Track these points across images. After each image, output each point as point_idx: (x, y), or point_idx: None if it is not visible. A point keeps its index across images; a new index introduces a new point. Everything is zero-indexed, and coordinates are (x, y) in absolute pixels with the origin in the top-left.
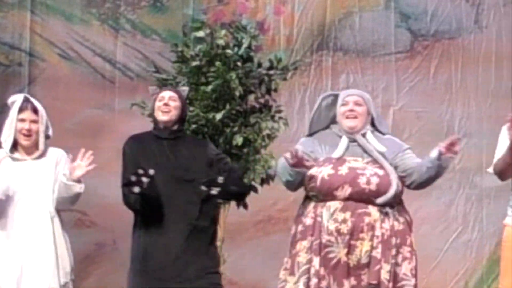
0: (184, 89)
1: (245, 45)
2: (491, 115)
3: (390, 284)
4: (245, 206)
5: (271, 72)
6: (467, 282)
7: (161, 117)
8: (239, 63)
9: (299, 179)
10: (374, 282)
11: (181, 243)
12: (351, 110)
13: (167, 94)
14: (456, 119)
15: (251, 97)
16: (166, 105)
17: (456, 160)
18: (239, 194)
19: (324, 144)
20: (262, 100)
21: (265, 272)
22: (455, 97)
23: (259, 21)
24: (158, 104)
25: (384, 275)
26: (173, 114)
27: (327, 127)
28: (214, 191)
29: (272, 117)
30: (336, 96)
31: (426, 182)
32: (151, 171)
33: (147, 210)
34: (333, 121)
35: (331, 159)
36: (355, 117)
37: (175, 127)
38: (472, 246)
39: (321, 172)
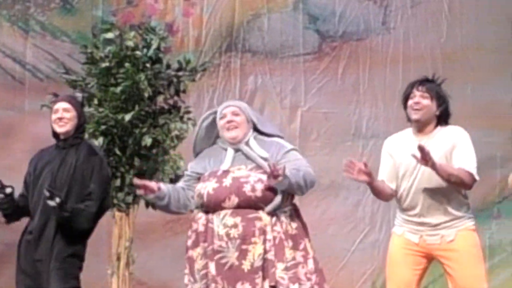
0: (78, 95)
1: (154, 47)
2: (398, 116)
3: (288, 282)
4: (154, 207)
5: (180, 73)
6: (374, 282)
7: (58, 129)
8: (148, 65)
9: None
10: (272, 284)
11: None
12: (229, 121)
13: (61, 106)
14: (364, 120)
15: (160, 98)
16: (61, 119)
17: (364, 160)
18: (70, 225)
19: (209, 159)
20: (171, 101)
21: (173, 272)
22: (363, 98)
23: (168, 23)
24: (53, 116)
25: (280, 274)
26: (69, 125)
27: (214, 143)
28: (53, 202)
29: (181, 118)
30: (215, 113)
31: (298, 192)
32: (8, 189)
33: (9, 219)
34: (218, 136)
35: (215, 173)
36: (236, 127)
37: (70, 137)
38: (379, 246)
39: (206, 188)
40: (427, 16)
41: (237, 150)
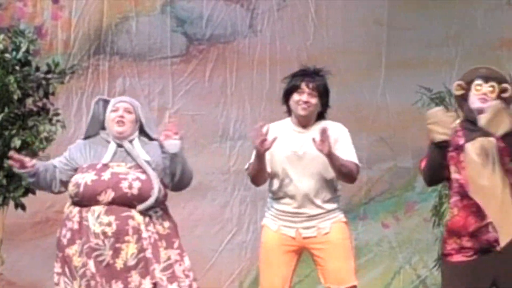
0: None
1: (23, 49)
2: (265, 118)
3: (167, 283)
4: (23, 208)
5: (49, 76)
6: (241, 283)
7: None
8: (17, 67)
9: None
10: (154, 281)
11: None
12: (121, 116)
13: None
14: (231, 122)
15: (29, 101)
16: None
17: (231, 162)
18: None
19: (90, 150)
20: (40, 104)
21: (43, 272)
22: (230, 100)
23: (37, 26)
24: None
25: (158, 275)
26: None
27: (97, 133)
28: None
29: (50, 120)
30: (107, 102)
31: (179, 176)
32: None
33: None
34: (103, 126)
35: (94, 165)
36: (124, 124)
37: None
38: (246, 247)
39: (84, 179)
40: (293, 19)
41: (119, 146)
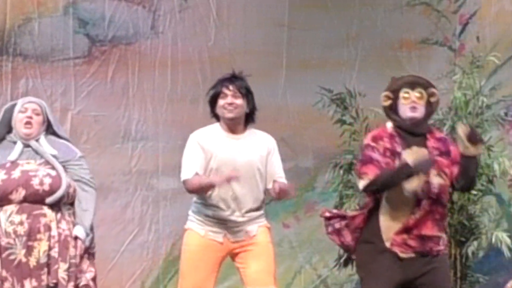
0: None
1: None
2: (167, 118)
3: (70, 283)
4: None
5: None
6: (143, 283)
7: None
8: None
9: None
10: (54, 281)
11: None
12: (29, 117)
13: None
14: (133, 123)
15: None
16: None
17: (133, 163)
18: None
19: None
20: None
21: None
22: (132, 101)
23: None
24: None
25: (61, 274)
26: None
27: (4, 138)
28: None
29: None
30: (14, 105)
31: None
32: None
33: None
34: (9, 130)
35: (4, 165)
36: (32, 125)
37: None
38: (148, 247)
39: None
40: (195, 21)
41: (26, 146)
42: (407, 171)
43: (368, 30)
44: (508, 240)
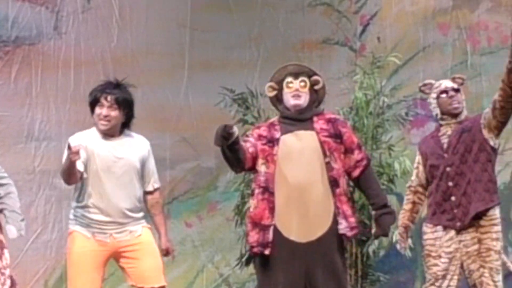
0: None
1: None
2: (70, 118)
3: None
4: None
5: None
6: (47, 281)
7: None
8: None
9: None
10: None
11: None
12: None
13: None
14: (37, 123)
15: None
16: None
17: (36, 162)
18: None
19: None
20: None
21: None
22: (35, 101)
23: None
24: None
25: None
26: None
27: None
28: None
29: None
30: None
31: None
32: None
33: None
34: None
35: None
36: None
37: None
38: (51, 246)
39: None
40: (98, 21)
41: None
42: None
43: (270, 31)
44: (409, 240)
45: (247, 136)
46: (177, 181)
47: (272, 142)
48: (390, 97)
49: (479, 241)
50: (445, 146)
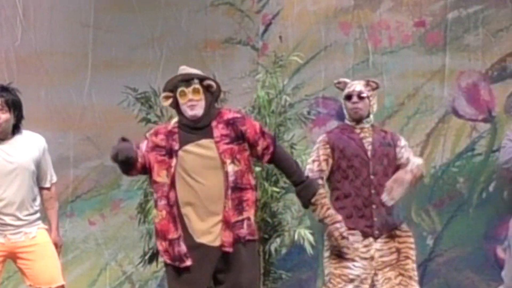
0: None
1: None
2: None
3: None
4: None
5: None
6: None
7: None
8: None
9: None
10: None
11: None
12: None
13: None
14: None
15: None
16: None
17: None
18: None
19: None
20: None
21: None
22: None
23: None
24: None
25: None
26: None
27: None
28: None
29: None
30: None
31: None
32: None
33: None
34: None
35: None
36: None
37: None
38: None
39: None
40: (1, 21)
41: None
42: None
43: (173, 30)
44: (310, 237)
45: (146, 139)
46: (80, 179)
47: (171, 153)
48: (292, 96)
49: (398, 250)
50: (369, 153)
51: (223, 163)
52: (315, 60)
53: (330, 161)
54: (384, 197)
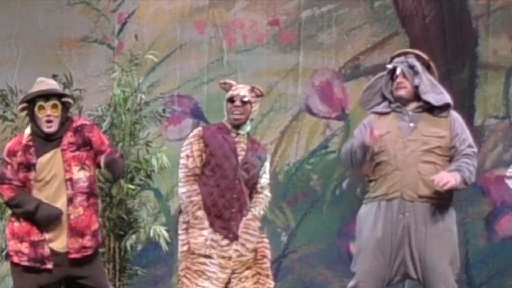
0: None
1: None
2: None
3: None
4: None
5: None
6: None
7: None
8: None
9: None
10: None
11: None
12: None
13: None
14: None
15: None
16: None
17: None
18: None
19: None
20: None
21: None
22: None
23: None
24: None
25: None
26: None
27: None
28: None
29: None
30: None
31: None
32: None
33: None
34: None
35: None
36: None
37: None
38: None
39: None
40: None
41: None
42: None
43: (29, 29)
44: (165, 234)
45: (6, 163)
46: None
47: (29, 167)
48: (148, 94)
49: (255, 250)
50: (240, 158)
51: (66, 171)
52: (170, 58)
53: (203, 155)
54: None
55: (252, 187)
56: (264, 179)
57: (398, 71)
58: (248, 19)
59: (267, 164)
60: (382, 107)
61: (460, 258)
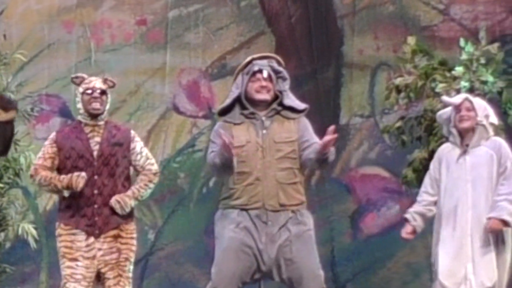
0: None
1: None
2: None
3: None
4: None
5: None
6: None
7: None
8: None
9: None
10: None
11: None
12: None
13: None
14: None
15: None
16: None
17: None
18: None
19: None
20: None
21: None
22: None
23: None
24: None
25: None
26: None
27: None
28: None
29: None
30: None
31: None
32: None
33: None
34: None
35: None
36: None
37: None
38: None
39: None
40: None
41: None
42: None
43: None
44: (34, 232)
45: None
46: None
47: None
48: (16, 93)
49: (118, 250)
50: (95, 153)
51: None
52: (39, 58)
53: (56, 159)
54: None
55: (126, 172)
56: (140, 158)
57: (265, 74)
58: (116, 18)
59: (136, 144)
60: (233, 116)
61: (325, 256)
